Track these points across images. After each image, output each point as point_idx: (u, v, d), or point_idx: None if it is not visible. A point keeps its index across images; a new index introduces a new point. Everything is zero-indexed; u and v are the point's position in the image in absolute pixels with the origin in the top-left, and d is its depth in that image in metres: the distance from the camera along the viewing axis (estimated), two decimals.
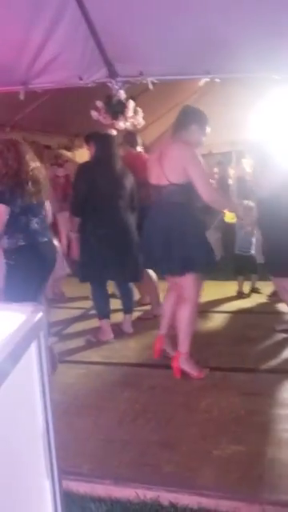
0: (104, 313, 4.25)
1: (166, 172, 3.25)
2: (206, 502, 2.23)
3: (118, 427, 2.86)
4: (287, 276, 3.91)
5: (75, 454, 2.55)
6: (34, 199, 3.34)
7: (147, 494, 2.28)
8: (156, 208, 3.40)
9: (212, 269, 3.58)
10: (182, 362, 3.40)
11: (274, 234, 3.84)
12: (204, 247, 3.35)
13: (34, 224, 3.39)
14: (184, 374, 3.41)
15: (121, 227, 4.11)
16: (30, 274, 3.31)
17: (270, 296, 5.25)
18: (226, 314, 4.86)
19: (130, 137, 4.97)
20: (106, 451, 2.63)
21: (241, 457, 2.52)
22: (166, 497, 2.26)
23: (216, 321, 4.69)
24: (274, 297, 5.14)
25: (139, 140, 4.97)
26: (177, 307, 3.46)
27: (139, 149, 4.89)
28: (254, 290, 5.50)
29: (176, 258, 3.29)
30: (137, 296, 4.98)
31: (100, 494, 2.30)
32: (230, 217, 4.54)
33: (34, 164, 3.40)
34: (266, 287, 5.32)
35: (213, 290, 4.85)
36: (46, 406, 0.93)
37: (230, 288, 5.52)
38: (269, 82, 5.58)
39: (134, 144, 4.86)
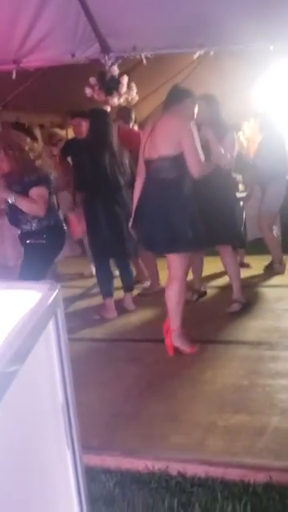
0: (108, 291, 4.29)
1: (158, 145, 3.23)
2: (213, 470, 2.29)
3: (124, 401, 2.92)
4: None
5: (83, 428, 2.57)
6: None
7: (156, 464, 2.34)
8: (146, 184, 3.38)
9: (198, 247, 3.55)
10: (175, 339, 3.42)
11: None
12: (189, 224, 3.28)
13: (56, 203, 3.53)
14: (176, 350, 3.43)
15: (121, 204, 4.12)
16: (55, 252, 3.51)
17: (266, 269, 5.28)
18: (224, 289, 4.89)
19: (123, 112, 4.94)
20: (114, 425, 2.69)
21: (246, 426, 2.58)
22: (174, 467, 2.32)
23: (215, 295, 4.73)
24: (270, 270, 5.19)
25: (133, 115, 4.95)
26: (166, 286, 3.45)
27: (132, 124, 4.88)
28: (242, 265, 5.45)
29: (161, 236, 3.29)
30: (134, 273, 5.02)
31: (110, 465, 2.36)
32: None
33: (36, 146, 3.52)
34: (256, 261, 5.37)
35: (213, 264, 4.87)
36: (65, 380, 0.96)
37: None
38: (264, 54, 5.54)
39: (127, 120, 4.84)
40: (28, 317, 0.84)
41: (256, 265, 5.42)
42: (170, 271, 3.40)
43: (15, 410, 0.79)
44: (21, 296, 0.94)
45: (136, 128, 5.06)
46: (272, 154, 4.98)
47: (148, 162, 3.33)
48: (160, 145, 3.23)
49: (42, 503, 0.89)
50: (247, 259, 5.50)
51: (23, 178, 3.31)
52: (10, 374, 0.72)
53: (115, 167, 4.08)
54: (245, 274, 5.30)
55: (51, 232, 3.44)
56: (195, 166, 3.20)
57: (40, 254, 3.42)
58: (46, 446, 0.92)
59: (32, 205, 3.31)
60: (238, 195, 4.79)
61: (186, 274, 3.48)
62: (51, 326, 0.92)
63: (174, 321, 3.41)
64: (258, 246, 5.37)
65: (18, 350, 0.75)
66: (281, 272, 5.17)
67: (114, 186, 4.09)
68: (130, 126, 4.84)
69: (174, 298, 3.38)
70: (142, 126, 5.12)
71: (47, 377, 0.94)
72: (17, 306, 0.89)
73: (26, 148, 3.36)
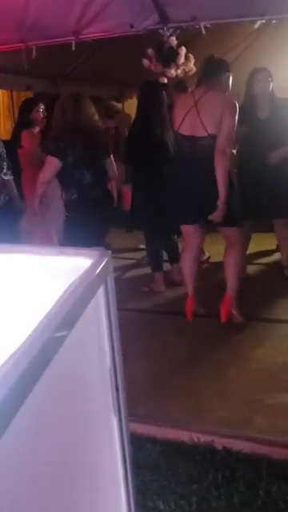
0: (157, 264, 4.30)
1: (205, 123, 3.18)
2: (259, 448, 2.28)
3: (172, 374, 2.94)
4: None
5: (131, 397, 2.63)
6: (89, 153, 3.40)
7: (201, 437, 2.36)
8: (191, 160, 3.32)
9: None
10: (232, 305, 3.46)
11: None
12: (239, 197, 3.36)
13: (88, 178, 3.45)
14: (230, 317, 3.48)
15: (169, 183, 4.09)
16: (85, 228, 3.39)
17: None
18: (274, 266, 4.79)
19: (178, 85, 4.87)
20: (161, 395, 2.72)
21: None
22: (219, 441, 2.33)
23: (266, 272, 4.64)
24: None
25: (189, 88, 4.86)
26: (226, 254, 3.50)
27: None
28: None
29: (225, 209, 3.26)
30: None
31: (156, 434, 2.40)
32: None
33: (93, 119, 3.46)
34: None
35: (262, 241, 4.79)
36: (113, 347, 0.97)
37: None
38: None
39: (183, 92, 4.76)
40: (78, 283, 0.85)
41: None
42: (229, 240, 3.46)
43: (65, 375, 0.81)
44: (72, 262, 0.95)
45: None
46: None
47: (193, 139, 3.27)
48: (207, 124, 3.19)
49: (87, 467, 0.91)
50: None
51: (49, 142, 3.44)
52: (59, 338, 0.73)
53: (167, 141, 4.02)
54: None
55: (74, 207, 3.49)
56: (224, 145, 3.17)
57: (70, 227, 3.49)
58: (93, 410, 0.94)
59: (40, 172, 3.44)
60: None
61: (244, 240, 3.54)
62: (101, 292, 0.92)
63: (234, 287, 3.46)
64: None
65: (66, 316, 0.76)
66: None
67: (162, 161, 4.05)
68: None
69: (236, 264, 3.45)
70: None
71: (96, 343, 0.95)
72: (68, 272, 0.90)
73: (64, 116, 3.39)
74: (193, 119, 3.23)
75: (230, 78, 3.41)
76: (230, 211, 3.27)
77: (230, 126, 3.16)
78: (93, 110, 3.52)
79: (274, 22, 4.91)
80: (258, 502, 1.99)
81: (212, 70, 3.35)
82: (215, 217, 3.25)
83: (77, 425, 0.85)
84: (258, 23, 4.93)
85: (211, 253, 4.65)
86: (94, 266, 0.91)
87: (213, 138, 3.18)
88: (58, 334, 0.73)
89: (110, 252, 0.96)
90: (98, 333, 0.94)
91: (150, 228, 4.25)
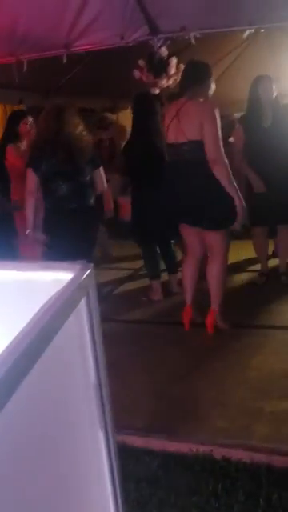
0: (155, 273, 4.31)
1: (184, 129, 3.22)
2: (259, 457, 2.26)
3: (170, 384, 2.92)
4: None
5: (129, 410, 2.62)
6: (69, 165, 3.41)
7: (200, 448, 2.33)
8: (175, 167, 3.38)
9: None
10: (218, 318, 3.47)
11: None
12: (230, 202, 3.28)
13: (63, 189, 3.47)
14: (216, 329, 3.48)
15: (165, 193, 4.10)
16: (59, 238, 3.42)
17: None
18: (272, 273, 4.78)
19: (173, 97, 4.89)
20: (159, 407, 2.70)
21: None
22: (219, 451, 2.30)
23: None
24: None
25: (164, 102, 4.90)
26: (208, 265, 3.48)
27: None
28: None
29: (204, 213, 3.28)
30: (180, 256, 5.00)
31: (154, 447, 2.37)
32: None
33: (75, 130, 3.45)
34: None
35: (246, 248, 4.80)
36: (97, 360, 0.95)
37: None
38: None
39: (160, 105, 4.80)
40: (58, 296, 0.84)
41: None
42: (213, 248, 3.42)
43: (45, 389, 0.80)
44: (52, 276, 0.94)
45: None
46: None
47: (175, 146, 3.33)
48: (186, 129, 3.22)
49: (72, 484, 0.90)
50: None
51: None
52: (36, 351, 0.72)
53: (161, 152, 4.04)
54: None
55: (47, 217, 3.57)
56: (214, 150, 3.17)
57: (49, 241, 3.55)
58: (76, 424, 0.92)
59: None
60: None
61: (228, 251, 3.49)
62: (83, 305, 0.91)
63: (218, 299, 3.46)
64: None
65: (44, 329, 0.75)
66: None
67: (160, 170, 4.06)
68: None
69: (216, 276, 3.43)
70: None
71: (80, 356, 0.94)
72: (48, 285, 0.89)
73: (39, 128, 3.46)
74: (175, 128, 3.29)
75: (212, 83, 3.42)
76: (223, 214, 3.28)
77: (212, 133, 3.16)
78: (77, 120, 3.52)
79: (262, 31, 4.96)
80: (258, 511, 1.96)
81: (193, 76, 3.38)
82: (239, 217, 3.27)
83: (58, 439, 0.84)
84: (247, 32, 4.96)
85: None
86: (74, 279, 0.90)
87: (194, 143, 3.20)
88: (34, 347, 0.72)
89: (92, 265, 0.95)
90: (80, 346, 0.93)
91: (151, 238, 4.24)
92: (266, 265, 4.53)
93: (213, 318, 3.47)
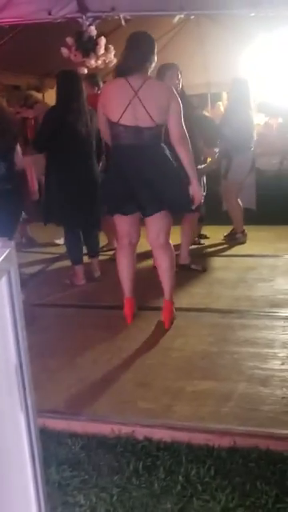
0: (77, 258, 4.26)
1: (151, 113, 3.07)
2: (179, 435, 2.31)
3: (93, 367, 2.92)
4: None
5: (51, 393, 2.60)
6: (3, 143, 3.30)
7: (122, 429, 2.35)
8: (135, 150, 3.16)
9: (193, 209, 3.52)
10: (173, 311, 3.42)
11: None
12: (184, 187, 3.25)
13: (2, 169, 3.35)
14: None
15: (91, 171, 4.04)
16: None
17: (225, 238, 5.30)
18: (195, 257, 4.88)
19: (90, 77, 4.83)
20: (82, 390, 2.69)
21: (213, 392, 2.61)
22: (140, 431, 2.34)
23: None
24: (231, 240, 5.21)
25: (100, 81, 4.84)
26: (159, 258, 3.37)
27: (97, 90, 4.74)
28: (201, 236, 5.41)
29: (173, 198, 3.23)
30: (105, 241, 5.00)
31: (76, 430, 2.37)
32: None
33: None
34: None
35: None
36: (18, 341, 0.93)
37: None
38: (248, 24, 5.45)
39: (94, 85, 4.74)
40: None
41: (213, 235, 5.44)
42: (160, 237, 3.31)
43: None
44: None
45: None
46: (238, 125, 4.95)
47: (134, 129, 3.12)
48: (154, 113, 3.08)
49: None
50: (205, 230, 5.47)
51: None
52: None
53: (84, 132, 3.97)
54: (209, 243, 5.33)
55: None
56: (180, 132, 3.13)
57: None
58: None
59: None
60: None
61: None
62: (3, 284, 0.88)
63: (171, 292, 3.38)
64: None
65: None
66: (243, 242, 5.23)
67: (85, 153, 4.00)
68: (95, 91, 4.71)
69: (169, 267, 3.34)
70: None
71: (0, 336, 0.91)
72: None
73: None
74: (136, 110, 3.07)
75: (156, 55, 3.23)
76: (180, 197, 3.24)
77: (178, 113, 3.11)
78: None
79: (192, 17, 5.01)
80: (177, 487, 2.01)
81: (142, 55, 3.15)
82: (198, 200, 3.24)
83: None
84: (177, 18, 5.00)
85: None
86: None
87: (160, 128, 3.13)
88: None
89: (12, 243, 0.92)
90: (1, 326, 0.90)
91: (69, 221, 4.16)
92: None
93: (171, 311, 3.39)
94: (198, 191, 3.26)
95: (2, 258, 0.87)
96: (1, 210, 3.29)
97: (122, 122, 3.13)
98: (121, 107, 3.10)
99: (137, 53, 3.15)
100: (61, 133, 3.91)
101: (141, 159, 3.16)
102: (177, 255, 3.64)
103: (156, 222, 3.29)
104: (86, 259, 4.38)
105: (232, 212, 5.25)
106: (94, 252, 4.41)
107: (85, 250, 4.38)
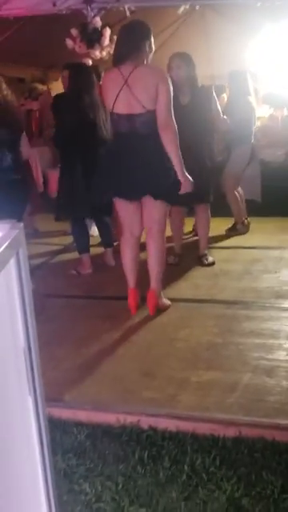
0: (83, 247, 4.28)
1: (140, 98, 3.07)
2: (184, 425, 2.32)
3: (99, 357, 2.93)
4: None
5: (57, 382, 2.60)
6: (5, 133, 3.30)
7: (127, 418, 2.36)
8: (130, 137, 3.18)
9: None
10: (160, 297, 3.44)
11: None
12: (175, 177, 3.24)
13: (8, 160, 3.34)
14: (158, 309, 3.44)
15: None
16: (4, 211, 3.28)
17: (228, 231, 5.27)
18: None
19: (94, 69, 4.82)
20: (87, 379, 2.70)
21: (218, 383, 2.61)
22: (145, 421, 2.34)
23: (191, 254, 4.70)
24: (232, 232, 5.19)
25: (102, 74, 4.83)
26: (149, 244, 3.39)
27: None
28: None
29: (163, 184, 3.22)
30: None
31: (81, 419, 2.37)
32: None
33: (7, 98, 3.33)
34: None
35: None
36: (27, 324, 0.93)
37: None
38: (254, 16, 5.41)
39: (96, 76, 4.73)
40: None
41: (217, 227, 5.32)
42: (154, 226, 3.34)
43: None
44: None
45: None
46: (239, 116, 4.93)
47: (128, 117, 3.15)
48: (143, 99, 3.07)
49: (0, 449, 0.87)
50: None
51: None
52: None
53: (96, 123, 3.97)
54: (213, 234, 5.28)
55: None
56: (166, 118, 3.10)
57: None
58: (5, 388, 0.89)
59: None
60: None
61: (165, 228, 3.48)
62: (12, 265, 0.88)
63: (158, 280, 3.39)
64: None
65: None
66: (243, 232, 5.23)
67: (95, 143, 4.00)
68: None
69: (160, 254, 3.36)
70: None
71: (8, 318, 0.91)
72: None
73: None
74: (127, 97, 3.09)
75: (152, 43, 3.23)
76: (172, 186, 3.22)
77: (167, 98, 3.08)
78: (4, 86, 3.42)
79: (197, 7, 4.97)
80: (182, 476, 2.02)
81: (134, 43, 3.14)
82: (185, 188, 3.21)
83: None
84: (182, 8, 4.97)
85: None
86: (3, 239, 0.86)
87: (151, 113, 3.10)
88: None
89: (21, 225, 0.91)
90: (9, 308, 0.90)
91: (80, 211, 4.17)
92: (179, 246, 4.54)
93: (155, 299, 3.39)
94: (184, 179, 3.22)
95: (11, 239, 0.86)
96: (11, 199, 3.28)
97: (116, 110, 3.17)
98: (113, 96, 3.14)
99: (127, 41, 3.17)
100: (75, 130, 3.93)
101: (134, 147, 3.18)
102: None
103: (149, 209, 3.32)
104: (100, 250, 4.41)
105: (232, 204, 5.23)
106: (107, 242, 4.41)
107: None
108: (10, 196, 3.29)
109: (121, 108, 3.14)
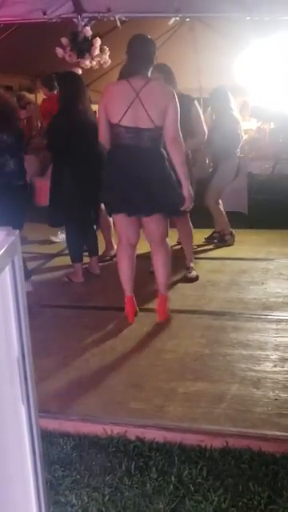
0: (77, 256, 4.30)
1: (151, 115, 3.10)
2: (171, 436, 2.31)
3: (86, 367, 2.91)
4: None
5: (43, 393, 2.57)
6: (7, 137, 3.31)
7: (114, 429, 2.34)
8: (135, 151, 3.18)
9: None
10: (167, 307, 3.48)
11: None
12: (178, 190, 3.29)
13: (11, 165, 3.34)
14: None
15: (92, 169, 4.05)
16: (6, 216, 3.27)
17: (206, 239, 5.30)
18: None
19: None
20: (74, 390, 2.68)
21: (205, 394, 2.61)
22: (133, 432, 2.32)
23: (180, 265, 4.71)
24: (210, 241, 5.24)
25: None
26: (156, 254, 3.44)
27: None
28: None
29: (170, 200, 3.26)
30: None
31: (68, 429, 2.35)
32: None
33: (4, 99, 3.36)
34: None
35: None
36: (21, 333, 0.92)
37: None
38: (243, 30, 5.48)
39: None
40: None
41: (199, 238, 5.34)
42: (157, 236, 3.38)
43: None
44: None
45: None
46: (225, 129, 4.98)
47: (135, 130, 3.15)
48: (153, 114, 3.11)
49: None
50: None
51: None
52: None
53: (87, 130, 3.98)
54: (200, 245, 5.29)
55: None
56: (174, 132, 3.14)
57: None
58: None
59: None
60: None
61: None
62: (7, 272, 0.87)
63: (167, 287, 3.47)
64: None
65: None
66: (231, 243, 5.26)
67: (87, 151, 4.00)
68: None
69: (165, 263, 3.40)
70: None
71: (3, 328, 0.90)
72: None
73: None
74: (137, 111, 3.11)
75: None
76: (177, 200, 3.26)
77: (176, 115, 3.13)
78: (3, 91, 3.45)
79: (187, 20, 5.03)
80: (170, 487, 2.01)
81: (147, 57, 3.19)
82: (188, 204, 3.26)
83: None
84: (172, 20, 5.02)
85: None
86: None
87: (159, 130, 3.14)
88: None
89: (17, 232, 0.91)
90: (3, 316, 0.89)
91: (72, 219, 4.18)
92: None
93: (165, 304, 3.46)
94: (188, 193, 3.27)
95: (7, 246, 0.86)
96: (13, 205, 3.25)
97: (123, 123, 3.16)
98: (122, 108, 3.13)
99: (140, 55, 3.21)
100: (71, 136, 3.95)
101: (138, 160, 3.19)
102: None
103: (151, 223, 3.34)
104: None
105: (216, 216, 5.27)
106: (93, 250, 4.41)
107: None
108: (12, 202, 3.27)
109: (129, 121, 3.14)
